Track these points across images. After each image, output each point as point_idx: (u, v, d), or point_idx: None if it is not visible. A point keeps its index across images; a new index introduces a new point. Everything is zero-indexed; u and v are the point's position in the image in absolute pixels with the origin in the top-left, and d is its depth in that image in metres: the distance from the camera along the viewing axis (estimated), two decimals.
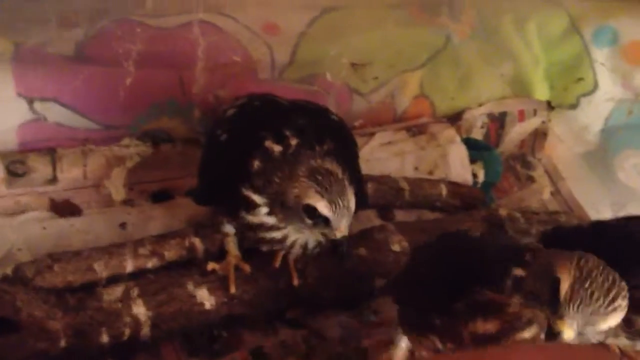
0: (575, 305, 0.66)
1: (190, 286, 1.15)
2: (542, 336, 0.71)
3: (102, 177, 1.35)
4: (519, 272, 0.75)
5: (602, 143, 1.58)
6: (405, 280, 0.98)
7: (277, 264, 1.18)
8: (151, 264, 1.20)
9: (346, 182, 0.96)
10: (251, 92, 1.24)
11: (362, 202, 1.05)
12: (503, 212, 1.37)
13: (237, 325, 1.19)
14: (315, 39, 1.45)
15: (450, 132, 1.53)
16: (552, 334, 0.68)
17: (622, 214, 1.50)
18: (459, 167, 1.49)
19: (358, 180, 1.06)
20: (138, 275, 1.18)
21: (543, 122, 1.62)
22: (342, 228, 0.94)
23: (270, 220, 1.01)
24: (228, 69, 1.40)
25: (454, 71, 1.57)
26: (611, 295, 0.66)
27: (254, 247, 1.08)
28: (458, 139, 1.53)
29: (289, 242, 1.03)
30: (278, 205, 0.99)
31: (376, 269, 1.22)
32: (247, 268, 1.17)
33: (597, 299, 0.66)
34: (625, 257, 0.76)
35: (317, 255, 1.13)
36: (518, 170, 1.59)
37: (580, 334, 0.68)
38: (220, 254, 1.20)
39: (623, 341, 0.94)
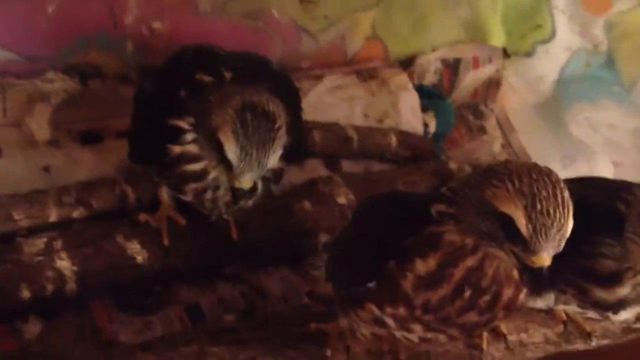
0: (543, 235, 0.61)
1: (120, 239, 1.07)
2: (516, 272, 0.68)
3: (23, 115, 1.22)
4: (440, 207, 0.69)
5: (556, 94, 1.55)
6: (337, 244, 0.94)
7: (213, 216, 1.11)
8: (77, 213, 1.11)
9: (278, 136, 0.85)
10: (190, 26, 1.15)
11: (299, 155, 0.98)
12: (453, 165, 1.32)
13: (172, 280, 1.12)
14: None
15: (402, 78, 1.45)
16: (531, 270, 0.63)
17: (572, 168, 1.49)
18: (410, 115, 1.42)
19: (298, 129, 0.98)
20: (62, 225, 1.09)
21: (497, 71, 1.56)
22: (243, 180, 0.86)
23: (193, 148, 0.93)
24: None
25: (408, 12, 1.48)
26: (560, 197, 0.61)
27: (181, 192, 1.00)
28: (410, 85, 1.45)
29: (210, 178, 0.94)
30: (201, 127, 0.91)
31: (321, 223, 1.16)
32: (181, 220, 1.09)
33: (555, 213, 0.60)
34: (580, 223, 0.71)
35: (259, 209, 1.07)
36: (470, 120, 1.54)
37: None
38: (154, 205, 1.12)
39: (574, 309, 0.92)
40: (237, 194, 0.89)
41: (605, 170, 1.48)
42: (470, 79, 1.55)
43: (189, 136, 0.93)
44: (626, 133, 1.50)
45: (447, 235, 0.69)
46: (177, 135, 0.93)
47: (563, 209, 0.61)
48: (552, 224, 0.61)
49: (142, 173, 1.15)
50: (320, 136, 1.32)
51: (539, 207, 0.61)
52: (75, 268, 1.03)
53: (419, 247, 0.70)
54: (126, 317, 1.07)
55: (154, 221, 1.09)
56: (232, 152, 0.84)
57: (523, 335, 0.96)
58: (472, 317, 0.71)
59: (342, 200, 1.20)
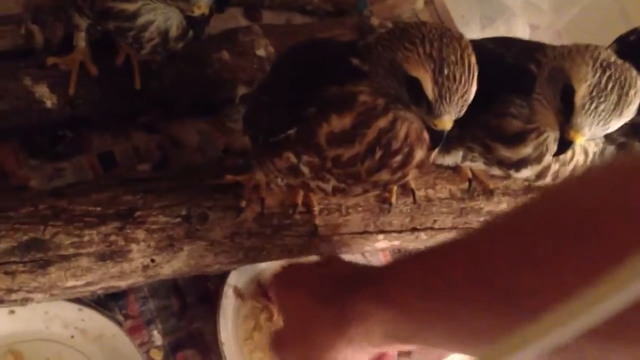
0: (447, 99, 0.63)
1: (27, 81, 1.02)
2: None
3: None
4: (355, 61, 0.70)
5: None
6: (258, 93, 0.93)
7: (120, 60, 1.06)
8: None
9: None
10: None
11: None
12: (375, 21, 1.30)
13: (84, 127, 1.09)
14: None
15: None
16: (433, 131, 0.66)
17: (490, 28, 1.49)
18: None
19: None
20: None
21: None
22: (200, 3, 0.82)
23: None
24: None
25: None
26: (466, 63, 0.63)
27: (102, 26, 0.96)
28: None
29: (140, 22, 0.90)
30: None
31: (239, 75, 1.14)
32: (93, 69, 1.04)
33: (460, 79, 0.63)
34: (492, 82, 0.72)
35: (175, 57, 1.04)
36: None
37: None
38: (63, 48, 1.06)
39: (479, 166, 0.95)
40: (195, 24, 0.86)
41: (522, 32, 1.49)
42: None
43: None
44: None
45: (361, 96, 0.69)
46: None
47: (469, 74, 0.63)
48: (456, 89, 0.63)
49: (51, 12, 1.09)
50: None
51: (446, 72, 0.62)
52: None
53: (336, 102, 0.70)
54: (36, 163, 1.04)
55: (64, 65, 1.04)
56: None
57: (430, 191, 1.00)
58: (383, 176, 0.74)
59: (261, 52, 1.17)
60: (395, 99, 0.67)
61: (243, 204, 0.92)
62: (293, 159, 0.76)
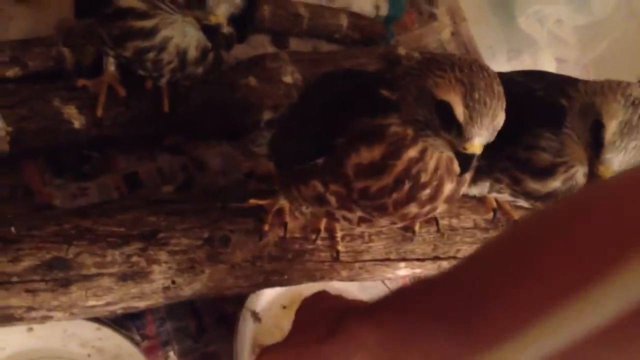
0: (478, 122, 0.63)
1: (56, 102, 1.03)
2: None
3: None
4: (385, 93, 0.70)
5: None
6: (286, 120, 0.92)
7: (149, 85, 1.07)
8: (12, 72, 1.06)
9: None
10: None
11: (248, 25, 0.96)
12: (401, 50, 1.30)
13: (110, 148, 1.10)
14: None
15: None
16: (463, 156, 0.65)
17: (517, 60, 1.49)
18: None
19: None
20: None
21: None
22: (217, 11, 0.81)
23: (140, 4, 0.89)
24: None
25: None
26: (495, 90, 0.63)
27: (120, 47, 0.96)
28: None
29: (159, 38, 0.91)
30: None
31: (265, 100, 1.14)
32: (122, 91, 1.05)
33: (490, 104, 0.63)
34: (523, 114, 0.72)
35: (202, 81, 1.05)
36: (421, 6, 1.50)
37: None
38: (93, 70, 1.07)
39: (505, 197, 0.94)
40: (211, 33, 0.84)
41: (548, 65, 1.48)
42: None
43: None
44: (572, 30, 1.50)
45: (392, 128, 0.69)
46: None
47: (498, 100, 0.63)
48: (486, 112, 0.63)
49: (82, 35, 1.11)
50: (269, 11, 1.27)
51: (476, 96, 0.62)
52: (9, 128, 0.99)
53: (365, 135, 0.70)
54: (61, 182, 1.05)
55: (93, 87, 1.05)
56: None
57: (454, 220, 0.99)
58: (411, 209, 0.73)
59: (288, 78, 1.18)
60: (424, 126, 0.67)
61: (266, 227, 0.91)
62: (320, 187, 0.75)
